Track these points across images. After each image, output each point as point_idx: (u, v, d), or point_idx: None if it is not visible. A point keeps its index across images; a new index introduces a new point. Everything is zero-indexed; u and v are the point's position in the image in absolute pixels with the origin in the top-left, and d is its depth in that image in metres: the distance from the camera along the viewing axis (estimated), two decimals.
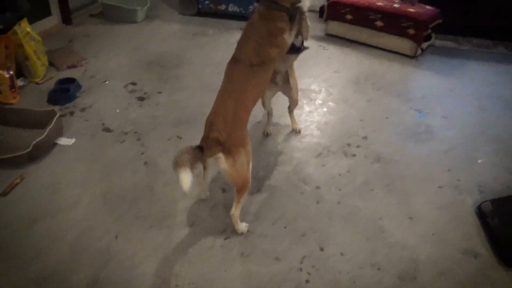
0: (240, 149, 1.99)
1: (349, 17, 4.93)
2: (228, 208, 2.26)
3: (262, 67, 2.14)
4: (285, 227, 2.30)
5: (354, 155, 2.94)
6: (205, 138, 2.00)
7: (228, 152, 1.93)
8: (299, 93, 3.71)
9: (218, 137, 1.93)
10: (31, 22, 3.65)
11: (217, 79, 3.79)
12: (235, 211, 2.11)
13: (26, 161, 2.55)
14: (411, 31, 4.58)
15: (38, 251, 2.02)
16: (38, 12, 4.47)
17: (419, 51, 4.74)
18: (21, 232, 2.12)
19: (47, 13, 4.66)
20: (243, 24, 5.33)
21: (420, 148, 3.09)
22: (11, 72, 3.19)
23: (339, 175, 2.73)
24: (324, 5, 5.22)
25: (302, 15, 2.27)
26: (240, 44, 2.20)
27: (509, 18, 5.39)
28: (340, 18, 5.01)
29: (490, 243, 2.26)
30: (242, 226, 2.21)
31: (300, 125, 3.23)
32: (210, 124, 2.00)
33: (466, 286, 2.04)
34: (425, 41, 4.68)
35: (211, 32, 5.09)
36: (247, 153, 2.04)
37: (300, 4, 2.22)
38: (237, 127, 2.02)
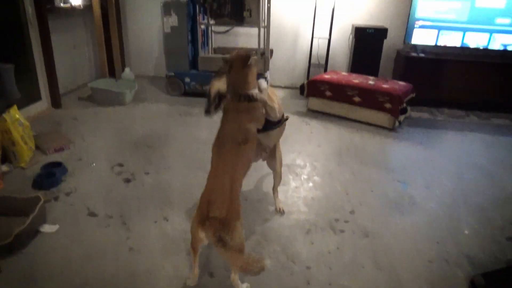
0: (237, 223, 2.04)
1: (328, 93, 5.22)
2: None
3: (247, 143, 2.27)
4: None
5: (342, 231, 2.93)
6: (204, 218, 2.00)
7: (227, 228, 1.97)
8: (284, 168, 3.80)
9: (218, 216, 1.97)
10: (20, 107, 3.76)
11: (202, 156, 3.90)
12: (235, 276, 2.17)
13: (5, 252, 2.46)
14: (388, 105, 4.85)
15: None
16: (28, 97, 4.62)
17: (397, 123, 4.98)
18: None
19: (37, 98, 4.81)
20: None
21: (405, 220, 3.11)
22: None
23: (329, 252, 2.70)
24: (304, 83, 5.54)
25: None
26: (223, 126, 2.35)
27: (476, 91, 5.80)
28: (320, 95, 5.30)
29: None
30: (244, 287, 2.25)
31: (288, 201, 3.26)
32: (208, 203, 2.03)
33: None
34: (402, 113, 4.94)
35: (196, 111, 5.29)
36: (241, 224, 2.10)
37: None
38: (234, 202, 2.08)
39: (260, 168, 3.40)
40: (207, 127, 4.75)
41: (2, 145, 3.44)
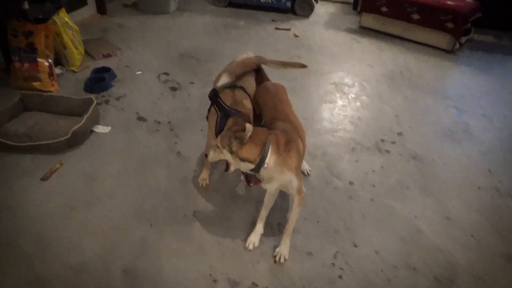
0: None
1: (384, 9, 4.81)
2: (259, 201, 2.25)
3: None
4: (317, 222, 2.27)
5: (388, 152, 2.87)
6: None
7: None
8: (332, 86, 3.67)
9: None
10: (68, 11, 3.72)
11: None
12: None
13: (64, 148, 2.61)
14: (450, 25, 4.42)
15: (76, 239, 2.07)
16: (75, 2, 4.57)
17: (457, 46, 4.58)
18: (60, 221, 2.17)
19: (83, 3, 4.75)
20: (274, 15, 5.34)
21: (458, 148, 2.99)
22: (50, 61, 3.27)
23: (373, 171, 2.68)
24: None
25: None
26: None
27: None
28: (375, 10, 4.90)
29: None
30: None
31: (333, 119, 3.18)
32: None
33: None
34: (464, 35, 4.52)
35: (242, 23, 5.07)
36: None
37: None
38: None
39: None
40: (253, 42, 4.58)
41: (54, 49, 3.48)
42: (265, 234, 2.14)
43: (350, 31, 5.07)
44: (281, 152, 1.79)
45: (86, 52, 3.91)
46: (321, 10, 5.72)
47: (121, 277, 1.90)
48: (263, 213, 2.14)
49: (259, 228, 2.14)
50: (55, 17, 3.43)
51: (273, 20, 5.22)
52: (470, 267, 2.07)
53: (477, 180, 2.66)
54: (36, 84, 3.22)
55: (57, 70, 3.47)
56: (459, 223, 2.33)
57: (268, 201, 2.12)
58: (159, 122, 3.00)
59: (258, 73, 2.46)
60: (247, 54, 2.44)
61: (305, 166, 2.61)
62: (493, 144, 3.04)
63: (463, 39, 4.60)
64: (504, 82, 4.01)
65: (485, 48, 4.85)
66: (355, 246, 2.14)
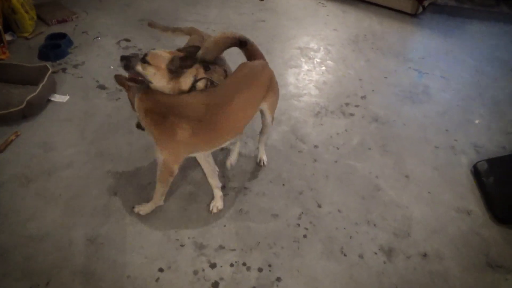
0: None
1: None
2: (222, 165, 2.27)
3: None
4: (283, 185, 2.32)
5: (352, 115, 2.93)
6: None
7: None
8: (297, 51, 3.66)
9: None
10: None
11: None
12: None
13: (19, 118, 2.50)
14: None
15: (35, 209, 2.02)
16: None
17: (420, 9, 4.62)
18: (17, 190, 2.11)
19: None
20: None
21: (417, 109, 3.08)
22: None
23: (337, 134, 2.73)
24: None
25: None
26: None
27: None
28: None
29: (483, 201, 2.32)
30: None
31: (299, 83, 3.19)
32: None
33: (458, 242, 2.10)
34: None
35: None
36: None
37: None
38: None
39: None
40: (216, 5, 4.44)
41: (2, 12, 3.25)
42: (231, 201, 2.18)
43: None
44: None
45: (39, 17, 3.67)
46: None
47: (84, 245, 1.89)
48: (210, 180, 2.14)
49: (217, 192, 2.14)
50: None
51: None
52: (425, 220, 2.19)
53: (434, 139, 2.77)
54: None
55: (7, 37, 3.26)
56: (416, 180, 2.44)
57: (205, 167, 2.13)
58: (120, 90, 2.91)
59: (244, 49, 2.06)
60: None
61: (263, 157, 2.43)
62: (450, 104, 3.16)
63: (426, 3, 4.64)
64: (463, 45, 4.12)
65: (447, 11, 4.92)
66: (319, 206, 2.21)
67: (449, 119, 3.00)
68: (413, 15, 4.61)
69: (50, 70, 2.73)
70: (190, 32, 2.28)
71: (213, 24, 4.01)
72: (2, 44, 3.08)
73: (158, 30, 2.36)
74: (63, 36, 3.35)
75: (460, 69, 3.68)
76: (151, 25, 2.37)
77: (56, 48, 3.19)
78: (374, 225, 2.14)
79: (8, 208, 2.02)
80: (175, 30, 2.33)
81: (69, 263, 1.81)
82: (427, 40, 4.18)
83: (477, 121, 2.99)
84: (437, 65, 3.71)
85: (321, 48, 3.78)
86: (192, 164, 2.37)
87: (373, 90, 3.23)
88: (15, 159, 2.29)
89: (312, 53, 3.68)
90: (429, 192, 2.37)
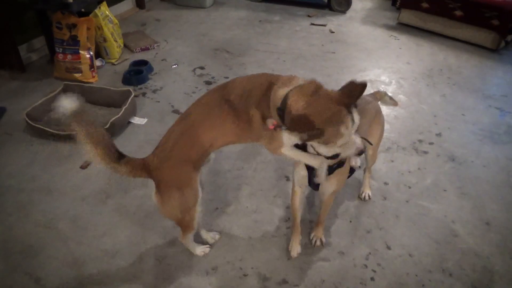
0: (172, 190, 1.64)
1: (425, 5, 4.65)
2: (287, 196, 2.25)
3: (240, 116, 1.56)
4: (350, 221, 2.24)
5: (425, 152, 2.79)
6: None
7: (157, 185, 1.66)
8: (368, 84, 3.59)
9: (149, 162, 1.65)
10: (108, 5, 3.83)
11: (281, 67, 3.79)
12: (182, 239, 1.89)
13: None
14: (495, 22, 4.22)
15: (111, 224, 2.15)
16: None
17: (503, 44, 4.37)
18: (97, 206, 2.26)
19: None
20: (309, 10, 5.27)
21: (498, 150, 2.86)
22: (91, 53, 3.38)
23: (409, 172, 2.61)
24: None
25: None
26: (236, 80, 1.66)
27: None
28: (415, 6, 4.74)
29: None
30: (198, 250, 1.99)
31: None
32: (158, 144, 1.71)
33: None
34: (510, 33, 4.29)
35: (277, 18, 5.05)
36: (185, 197, 1.65)
37: None
38: (174, 161, 1.62)
39: None
40: (287, 36, 4.55)
41: (95, 40, 3.59)
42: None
43: (388, 27, 4.94)
44: None
45: (125, 45, 4.01)
46: (359, 6, 5.60)
47: (154, 264, 1.95)
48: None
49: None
50: (96, 11, 3.54)
51: (308, 16, 5.17)
52: (508, 274, 1.99)
53: None
54: (77, 75, 3.34)
55: (97, 62, 3.59)
56: (498, 228, 2.24)
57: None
58: None
59: None
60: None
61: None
62: None
63: (509, 37, 4.37)
64: None
65: None
66: (388, 248, 2.10)
67: None
68: (494, 50, 4.36)
69: (133, 95, 2.94)
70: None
71: (283, 54, 4.10)
72: (92, 69, 3.38)
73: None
74: (145, 63, 3.62)
75: None
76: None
77: (138, 74, 3.45)
78: (450, 274, 1.98)
79: (88, 222, 2.16)
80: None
81: (138, 280, 1.88)
82: (510, 77, 3.91)
83: None
84: None
85: (393, 81, 3.69)
86: (253, 192, 2.39)
87: (448, 128, 3.06)
88: (96, 175, 2.46)
89: (383, 86, 3.60)
90: None
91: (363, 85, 1.36)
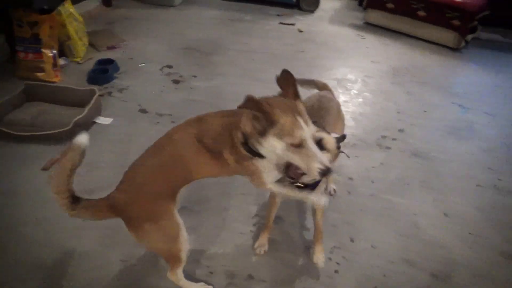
0: (146, 225, 1.54)
1: (390, 5, 4.78)
2: (256, 193, 2.26)
3: (213, 155, 1.54)
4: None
5: (389, 148, 2.86)
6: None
7: (128, 223, 1.56)
8: (334, 82, 3.66)
9: (115, 201, 1.53)
10: (73, 3, 3.73)
11: (252, 66, 3.81)
12: (171, 276, 1.73)
13: (66, 138, 2.62)
14: (456, 22, 4.39)
15: (76, 227, 2.08)
16: None
17: (463, 44, 4.54)
18: (60, 207, 2.19)
19: None
20: (281, 10, 5.31)
21: (460, 145, 2.97)
22: (54, 51, 3.28)
23: (373, 167, 2.67)
24: None
25: None
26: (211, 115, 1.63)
27: None
28: (381, 7, 4.87)
29: None
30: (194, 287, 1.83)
31: None
32: (122, 179, 1.59)
33: None
34: (470, 33, 4.47)
35: (248, 18, 5.06)
36: (163, 229, 1.56)
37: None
38: (146, 196, 1.53)
39: None
40: (258, 35, 4.57)
41: (58, 39, 3.49)
42: (261, 229, 2.16)
43: (355, 27, 5.04)
44: None
45: (91, 44, 3.92)
46: (327, 6, 5.69)
47: (119, 265, 1.92)
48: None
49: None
50: (60, 8, 3.45)
51: (278, 15, 5.21)
52: (468, 263, 2.06)
53: (477, 177, 2.65)
54: (40, 74, 3.24)
55: (61, 61, 3.49)
56: (458, 219, 2.32)
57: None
58: (160, 115, 3.01)
59: None
60: None
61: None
62: (495, 141, 3.03)
63: (469, 37, 4.56)
64: (509, 81, 3.98)
65: (491, 46, 4.80)
66: (352, 241, 2.14)
67: (494, 156, 2.87)
68: (456, 49, 4.53)
69: (97, 94, 2.88)
70: (319, 85, 2.28)
71: (255, 53, 4.11)
72: (56, 68, 3.29)
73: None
74: (111, 61, 3.55)
75: (507, 105, 3.55)
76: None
77: (104, 72, 3.38)
78: (411, 264, 2.04)
79: (53, 225, 2.09)
80: (309, 82, 2.33)
81: (104, 282, 1.84)
82: (471, 75, 4.07)
83: None
84: (482, 100, 3.59)
85: (359, 79, 3.77)
86: (223, 191, 2.39)
87: (412, 124, 3.15)
88: None
89: (349, 84, 3.67)
90: (471, 234, 2.24)
91: (287, 72, 1.42)
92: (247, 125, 1.41)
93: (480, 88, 3.81)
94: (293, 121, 1.31)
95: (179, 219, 1.61)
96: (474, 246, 2.17)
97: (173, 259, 1.66)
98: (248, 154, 1.45)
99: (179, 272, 1.72)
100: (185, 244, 1.62)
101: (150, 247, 1.68)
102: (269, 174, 1.52)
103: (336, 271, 1.97)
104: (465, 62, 4.33)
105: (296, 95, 1.42)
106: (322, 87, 2.26)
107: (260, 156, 1.42)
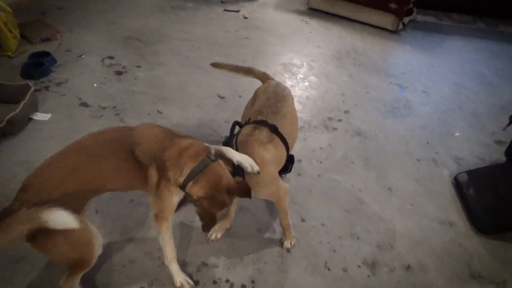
0: (52, 237, 1.40)
1: None
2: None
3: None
4: (266, 200, 2.31)
5: (335, 129, 2.96)
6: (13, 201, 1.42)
7: (30, 237, 1.37)
8: (281, 67, 3.71)
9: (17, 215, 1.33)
10: None
11: (196, 54, 3.76)
12: (65, 284, 1.57)
13: None
14: (393, 5, 4.58)
15: None
16: None
17: (401, 26, 4.76)
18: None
19: None
20: None
21: (399, 123, 3.14)
22: None
23: (320, 148, 2.76)
24: None
25: None
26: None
27: None
28: None
29: (465, 212, 2.35)
30: None
31: None
32: (24, 185, 1.46)
33: (442, 254, 2.11)
34: (407, 15, 4.69)
35: (190, 5, 4.96)
36: (72, 237, 1.44)
37: None
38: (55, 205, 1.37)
39: None
40: (201, 23, 4.50)
41: None
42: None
43: (299, 12, 5.11)
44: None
45: (23, 36, 3.67)
46: None
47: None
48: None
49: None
50: None
51: (222, 2, 5.15)
52: (408, 233, 2.21)
53: (416, 152, 2.81)
54: None
55: None
56: (399, 193, 2.47)
57: None
58: (103, 108, 2.90)
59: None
60: None
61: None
62: (431, 118, 3.23)
63: (406, 20, 4.78)
64: (443, 60, 4.24)
65: (426, 28, 5.07)
66: (303, 220, 2.21)
67: (430, 132, 3.06)
68: (394, 32, 4.74)
69: (32, 88, 2.71)
70: (262, 77, 2.26)
71: (198, 42, 4.05)
72: None
73: (226, 70, 2.34)
74: (46, 54, 3.35)
75: (441, 84, 3.78)
76: (215, 65, 2.36)
77: (39, 66, 3.18)
78: (358, 238, 2.14)
79: None
80: (248, 71, 2.32)
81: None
82: (408, 56, 4.29)
83: (457, 134, 3.05)
84: (418, 79, 3.79)
85: (304, 64, 3.84)
86: None
87: (355, 105, 3.28)
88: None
89: (295, 69, 3.73)
90: (411, 205, 2.39)
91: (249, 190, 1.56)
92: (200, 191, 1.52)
93: (416, 68, 4.03)
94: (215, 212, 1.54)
95: (89, 224, 1.53)
96: (414, 216, 2.32)
97: (80, 266, 1.54)
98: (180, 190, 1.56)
99: (79, 278, 1.60)
100: (98, 250, 1.56)
101: (58, 259, 1.53)
102: (170, 215, 1.66)
103: (288, 250, 2.03)
104: (402, 43, 4.54)
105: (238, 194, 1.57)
106: (262, 76, 2.28)
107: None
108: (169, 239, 1.74)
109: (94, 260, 1.57)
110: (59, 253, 1.48)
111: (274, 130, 1.81)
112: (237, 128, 1.92)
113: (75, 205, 1.47)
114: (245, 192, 1.56)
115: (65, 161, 1.51)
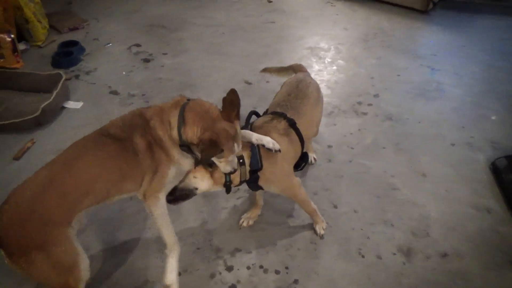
0: (32, 254, 1.31)
1: None
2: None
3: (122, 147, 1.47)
4: None
5: (365, 114, 2.90)
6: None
7: (8, 253, 1.32)
8: (307, 51, 3.64)
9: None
10: None
11: (219, 40, 3.73)
12: None
13: (34, 126, 2.53)
14: None
15: None
16: None
17: (431, 6, 4.57)
18: None
19: None
20: None
21: (430, 106, 3.04)
22: (12, 36, 3.11)
23: (350, 134, 2.71)
24: None
25: None
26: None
27: None
28: None
29: (503, 198, 2.27)
30: None
31: None
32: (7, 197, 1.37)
33: (478, 241, 2.06)
34: None
35: None
36: (55, 256, 1.36)
37: None
38: (34, 221, 1.32)
39: None
40: (223, 8, 4.46)
41: (15, 23, 3.30)
42: (246, 203, 2.17)
43: None
44: None
45: (51, 26, 3.73)
46: None
47: (103, 251, 1.90)
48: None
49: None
50: None
51: None
52: (442, 219, 2.16)
53: (449, 136, 2.73)
54: None
55: (21, 46, 3.32)
56: (431, 177, 2.41)
57: None
58: (133, 95, 2.93)
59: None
60: None
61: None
62: (464, 100, 3.12)
63: None
64: (474, 40, 4.06)
65: (457, 6, 4.86)
66: (335, 207, 2.19)
67: (464, 115, 2.96)
68: (423, 12, 4.56)
69: (64, 77, 2.76)
70: (296, 70, 2.27)
71: (222, 27, 4.02)
72: (16, 54, 3.13)
73: (274, 74, 2.44)
74: (75, 43, 3.40)
75: (473, 65, 3.63)
76: (265, 70, 2.48)
77: (68, 55, 3.24)
78: (391, 225, 2.11)
79: None
80: (287, 69, 2.34)
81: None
82: (438, 36, 4.13)
83: (493, 117, 2.93)
84: (449, 61, 3.66)
85: (332, 47, 3.76)
86: None
87: (385, 88, 3.20)
88: (32, 166, 2.30)
89: (322, 52, 3.66)
90: (446, 190, 2.33)
91: (234, 93, 1.48)
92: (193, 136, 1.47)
93: (446, 49, 3.88)
94: (230, 148, 1.47)
95: (77, 245, 1.42)
96: (448, 202, 2.26)
97: None
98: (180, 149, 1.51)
99: None
100: (85, 273, 1.44)
101: (40, 280, 1.44)
102: (167, 186, 1.58)
103: (321, 236, 2.02)
104: (432, 24, 4.37)
105: (237, 116, 1.51)
106: (296, 68, 2.27)
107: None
108: (162, 220, 1.57)
109: (82, 286, 1.44)
110: (40, 274, 1.37)
111: (292, 124, 1.78)
112: (253, 118, 1.88)
113: (58, 220, 1.37)
114: (235, 103, 1.48)
115: (40, 173, 1.43)
